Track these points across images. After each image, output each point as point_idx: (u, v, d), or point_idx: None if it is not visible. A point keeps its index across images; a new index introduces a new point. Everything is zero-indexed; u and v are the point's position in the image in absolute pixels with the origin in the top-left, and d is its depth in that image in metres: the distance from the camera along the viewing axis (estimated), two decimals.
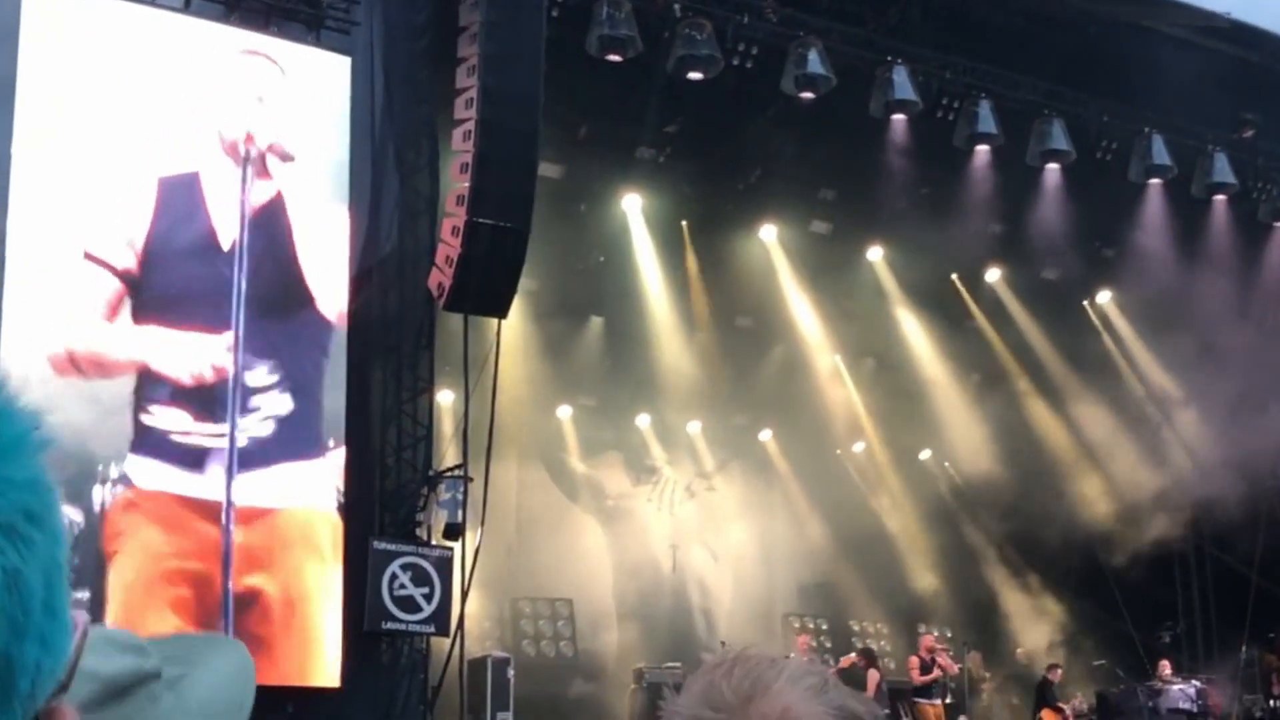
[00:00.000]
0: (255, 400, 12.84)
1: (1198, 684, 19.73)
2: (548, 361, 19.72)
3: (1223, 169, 18.43)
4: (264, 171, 13.13)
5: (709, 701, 1.47)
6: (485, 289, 13.61)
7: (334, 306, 13.43)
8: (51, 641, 1.01)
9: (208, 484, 12.46)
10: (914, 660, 18.73)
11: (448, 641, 13.88)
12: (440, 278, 13.65)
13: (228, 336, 12.75)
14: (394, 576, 13.28)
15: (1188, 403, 20.88)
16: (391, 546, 13.45)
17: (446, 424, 16.51)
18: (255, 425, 12.78)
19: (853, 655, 19.30)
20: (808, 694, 1.47)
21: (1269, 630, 21.17)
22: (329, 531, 13.06)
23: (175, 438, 12.44)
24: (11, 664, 0.97)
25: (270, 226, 13.15)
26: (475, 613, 16.73)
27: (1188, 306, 19.07)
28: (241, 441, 12.66)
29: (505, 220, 13.29)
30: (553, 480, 22.20)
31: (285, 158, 13.20)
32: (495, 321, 14.17)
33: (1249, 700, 20.23)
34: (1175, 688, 19.51)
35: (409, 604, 13.32)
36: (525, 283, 15.03)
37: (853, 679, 17.87)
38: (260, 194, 13.10)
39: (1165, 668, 20.43)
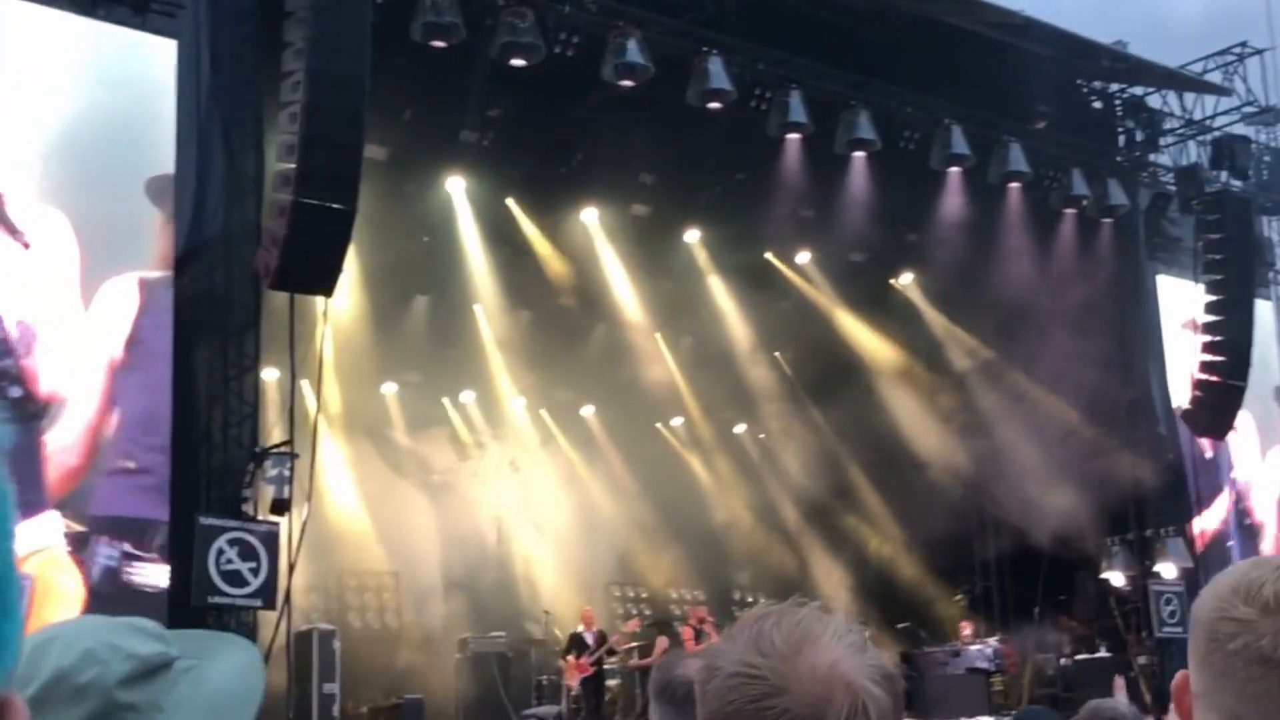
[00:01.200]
0: None
1: (994, 644, 20.91)
2: (373, 339, 19.86)
3: (1017, 158, 19.33)
4: None
5: (759, 649, 1.53)
6: (311, 268, 13.74)
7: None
8: (6, 638, 1.00)
9: None
10: (687, 630, 18.87)
11: (275, 615, 14.07)
12: (266, 257, 13.77)
13: None
14: (220, 551, 13.35)
15: (983, 374, 22.02)
16: (217, 522, 13.52)
17: (274, 401, 16.68)
18: None
19: (637, 619, 20.17)
20: (851, 650, 1.54)
21: (1059, 593, 22.50)
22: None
23: None
24: None
25: None
26: (302, 586, 16.89)
27: (984, 286, 20.18)
28: None
29: (331, 201, 13.41)
30: (379, 455, 22.37)
31: None
32: (321, 300, 14.41)
33: (1042, 659, 21.41)
34: (974, 648, 20.65)
35: (235, 578, 13.42)
36: (351, 262, 15.27)
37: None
38: None
39: (965, 629, 21.66)
